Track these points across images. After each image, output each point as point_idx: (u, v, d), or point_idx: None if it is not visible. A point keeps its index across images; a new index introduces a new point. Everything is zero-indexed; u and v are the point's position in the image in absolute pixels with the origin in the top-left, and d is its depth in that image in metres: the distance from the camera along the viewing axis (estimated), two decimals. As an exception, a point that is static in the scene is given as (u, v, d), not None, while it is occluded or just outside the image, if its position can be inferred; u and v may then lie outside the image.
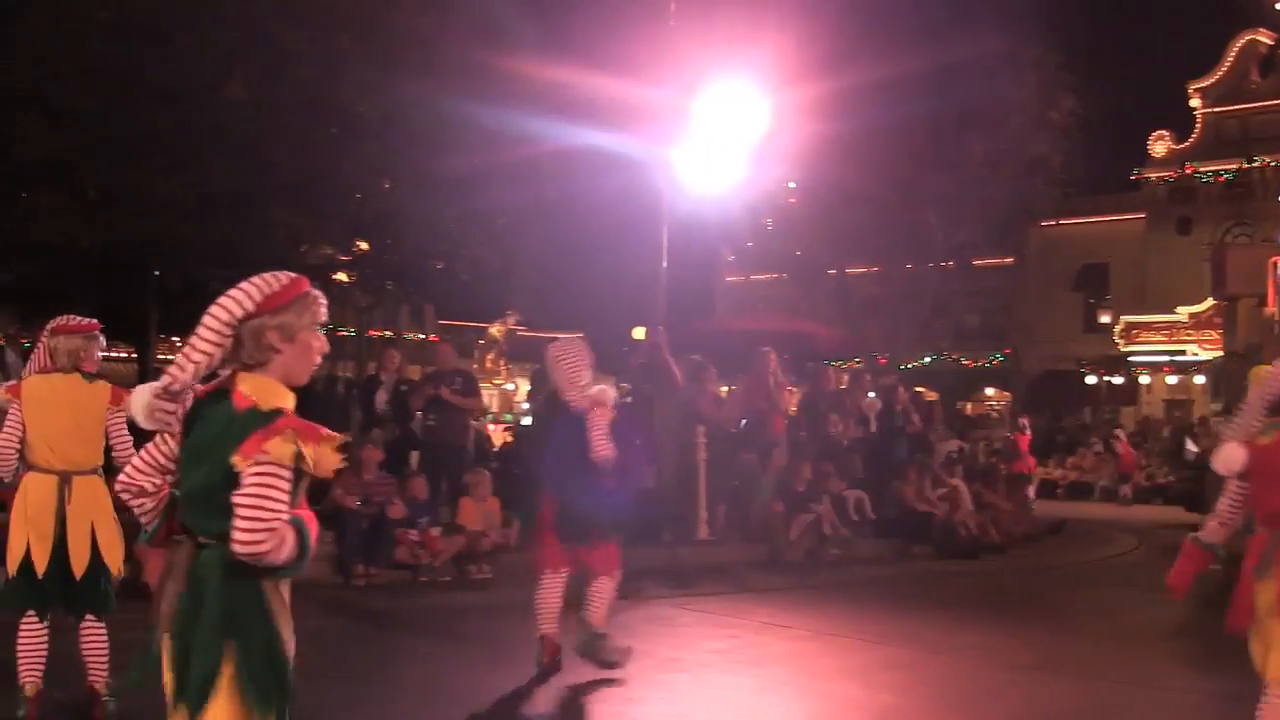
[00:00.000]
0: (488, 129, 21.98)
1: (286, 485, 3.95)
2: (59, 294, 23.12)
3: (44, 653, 7.82)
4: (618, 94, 20.46)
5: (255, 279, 4.26)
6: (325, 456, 4.01)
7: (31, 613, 7.78)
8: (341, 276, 32.88)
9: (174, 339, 45.42)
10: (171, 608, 4.14)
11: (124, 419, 7.80)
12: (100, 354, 8.25)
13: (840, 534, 17.27)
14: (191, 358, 4.19)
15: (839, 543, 17.18)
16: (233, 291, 4.21)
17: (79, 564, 7.71)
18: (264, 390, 4.12)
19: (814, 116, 27.84)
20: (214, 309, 4.17)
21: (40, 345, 8.10)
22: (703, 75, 19.41)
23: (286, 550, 3.95)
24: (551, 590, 9.59)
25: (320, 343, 4.33)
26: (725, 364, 19.46)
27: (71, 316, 8.17)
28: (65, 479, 7.74)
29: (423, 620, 12.44)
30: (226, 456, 3.93)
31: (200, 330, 4.18)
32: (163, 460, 4.32)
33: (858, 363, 32.96)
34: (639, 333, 24.91)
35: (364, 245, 29.29)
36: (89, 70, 24.86)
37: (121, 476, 4.39)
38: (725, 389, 19.87)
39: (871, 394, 21.87)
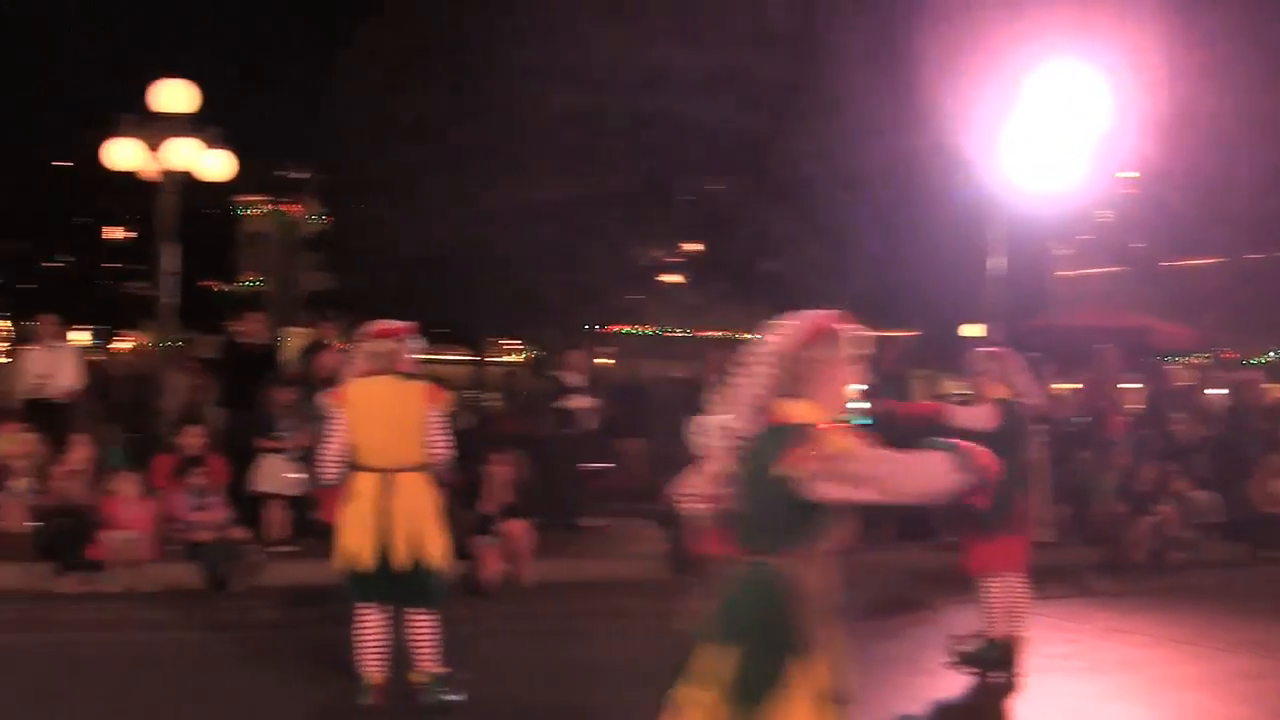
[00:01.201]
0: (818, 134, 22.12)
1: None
2: (399, 301, 24.22)
3: (384, 643, 8.39)
4: (946, 94, 20.32)
5: (792, 316, 4.64)
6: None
7: (367, 606, 8.32)
8: (672, 278, 33.59)
9: (506, 343, 47.09)
10: (711, 617, 4.54)
11: (442, 417, 8.34)
12: (426, 356, 8.78)
13: (1186, 536, 16.77)
14: (746, 390, 4.58)
15: (1185, 545, 16.68)
16: (775, 327, 4.61)
17: (403, 559, 8.24)
18: (799, 413, 4.48)
19: (1167, 99, 26.81)
20: (760, 344, 4.60)
21: (356, 350, 8.67)
22: (1036, 64, 19.09)
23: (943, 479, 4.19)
24: (1013, 591, 9.80)
25: (848, 374, 4.63)
26: (1061, 361, 19.11)
27: (384, 321, 8.70)
28: (389, 477, 8.26)
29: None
30: (774, 473, 4.32)
31: (750, 365, 4.59)
32: (715, 477, 4.71)
33: (1205, 358, 31.80)
34: (973, 330, 24.65)
35: (695, 247, 29.83)
36: (423, 84, 26.06)
37: (687, 483, 4.82)
38: (1061, 386, 19.50)
39: (1218, 390, 21.14)
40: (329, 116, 33.05)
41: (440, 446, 8.46)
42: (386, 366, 8.45)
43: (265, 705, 8.84)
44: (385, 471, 8.26)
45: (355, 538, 8.27)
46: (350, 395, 8.40)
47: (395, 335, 8.61)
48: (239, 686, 9.21)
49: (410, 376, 8.55)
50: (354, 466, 8.35)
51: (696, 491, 4.81)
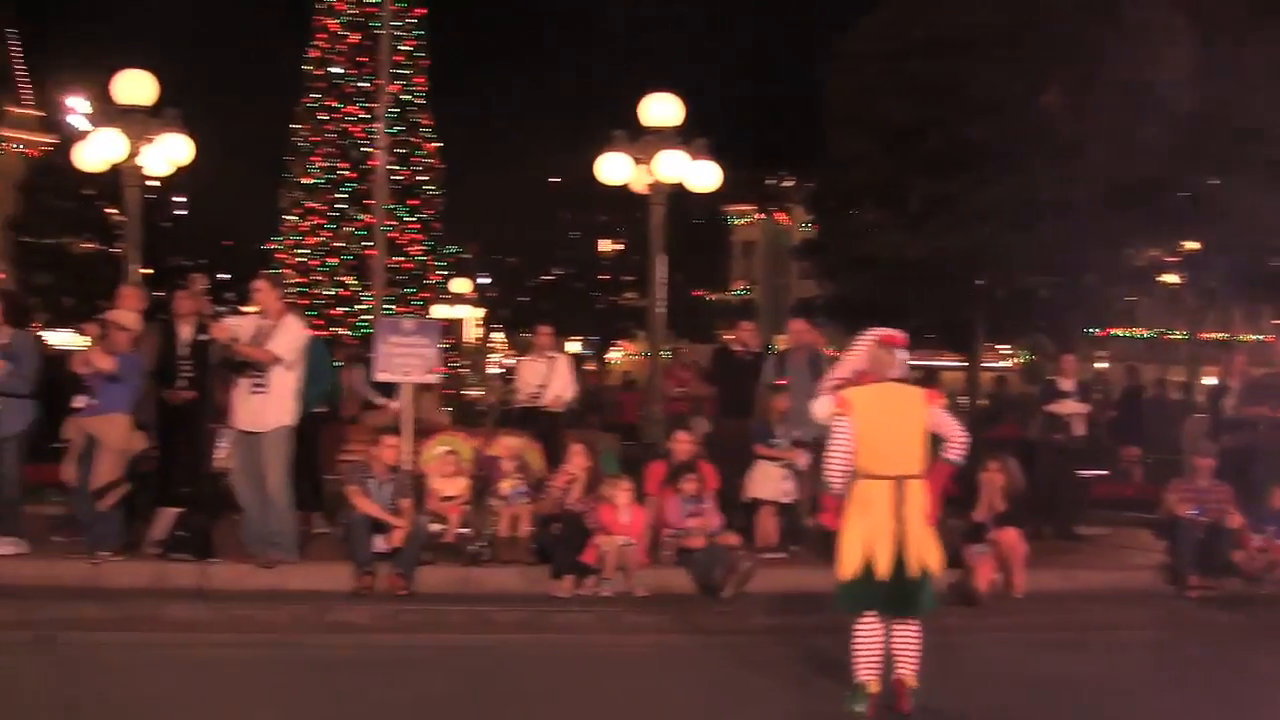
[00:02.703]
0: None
1: None
2: (889, 306, 24.35)
3: (881, 652, 8.56)
4: None
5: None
6: None
7: (870, 613, 8.53)
8: (1170, 278, 32.40)
9: (998, 347, 46.44)
10: None
11: (948, 414, 8.54)
12: (918, 362, 8.99)
13: None
14: None
15: None
16: None
17: (916, 565, 8.45)
18: None
19: None
20: None
21: (851, 357, 8.94)
22: None
23: None
24: None
25: None
26: None
27: (881, 328, 9.02)
28: (899, 483, 8.49)
29: (1264, 635, 12.23)
30: None
31: None
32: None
33: None
34: None
35: (1193, 245, 28.72)
36: (909, 88, 26.08)
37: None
38: None
39: None
40: (815, 123, 33.54)
41: (958, 441, 8.71)
42: (886, 374, 8.76)
43: (753, 710, 9.15)
44: (894, 479, 8.52)
45: (863, 544, 8.53)
46: (855, 403, 8.70)
47: (894, 343, 8.89)
48: (728, 691, 9.57)
49: (905, 383, 8.83)
50: (861, 474, 8.64)
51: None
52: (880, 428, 8.59)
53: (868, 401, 8.67)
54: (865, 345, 8.96)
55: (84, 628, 10.74)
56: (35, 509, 13.63)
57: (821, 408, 9.20)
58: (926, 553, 8.54)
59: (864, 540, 8.52)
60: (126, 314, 13.14)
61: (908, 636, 8.66)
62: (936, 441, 8.75)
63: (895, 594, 8.51)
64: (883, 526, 8.47)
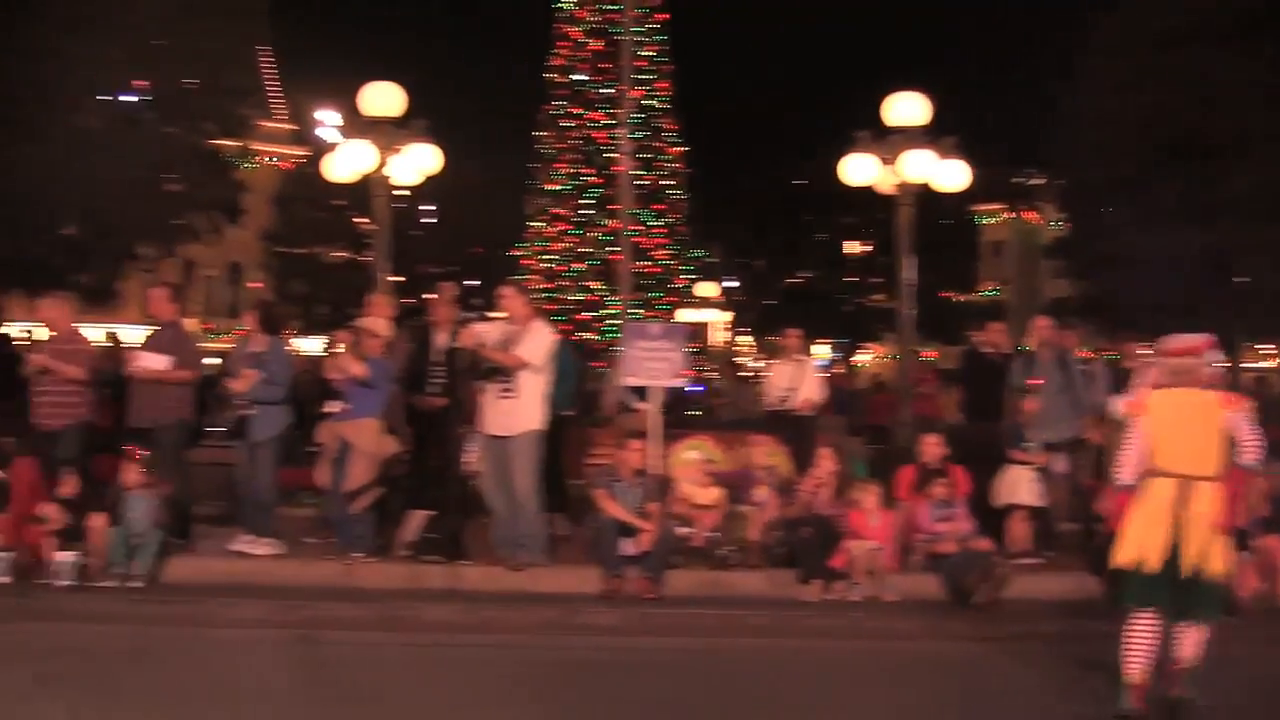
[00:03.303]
0: None
1: None
2: (1139, 305, 23.87)
3: (1154, 650, 8.49)
4: None
5: None
6: None
7: (1145, 610, 8.47)
8: None
9: (1260, 347, 44.91)
10: None
11: (1246, 418, 8.63)
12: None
13: None
14: None
15: None
16: None
17: (1189, 566, 8.41)
18: None
19: None
20: None
21: (1155, 365, 8.99)
22: None
23: None
24: None
25: None
26: None
27: (1183, 335, 9.04)
28: (1185, 482, 8.51)
29: None
30: None
31: None
32: None
33: None
34: None
35: None
36: (1158, 80, 25.45)
37: None
38: None
39: None
40: (1064, 119, 32.91)
41: (1253, 446, 8.70)
42: (1188, 381, 8.82)
43: (1008, 716, 9.08)
44: (1182, 478, 8.56)
45: (1145, 540, 8.57)
46: (1150, 404, 8.87)
47: (1197, 351, 8.93)
48: (983, 698, 9.45)
49: (1207, 388, 8.86)
50: (1151, 472, 8.70)
51: None
52: (1173, 429, 8.70)
53: (1163, 404, 8.83)
54: (1169, 354, 8.93)
55: (340, 626, 11.10)
56: (290, 511, 14.16)
57: (1120, 408, 9.40)
58: (1208, 556, 8.49)
59: (1142, 533, 8.60)
60: (378, 321, 13.52)
61: (1187, 640, 8.63)
62: (1234, 446, 8.68)
63: (1178, 593, 8.48)
64: (1161, 521, 8.53)
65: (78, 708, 8.58)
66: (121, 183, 27.74)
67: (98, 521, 12.26)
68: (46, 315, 13.85)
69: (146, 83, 31.00)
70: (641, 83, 31.87)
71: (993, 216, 73.76)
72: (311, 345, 38.48)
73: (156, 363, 13.20)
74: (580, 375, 15.58)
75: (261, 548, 13.00)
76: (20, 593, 11.97)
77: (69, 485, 12.55)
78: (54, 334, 13.65)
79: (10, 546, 12.39)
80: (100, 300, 30.56)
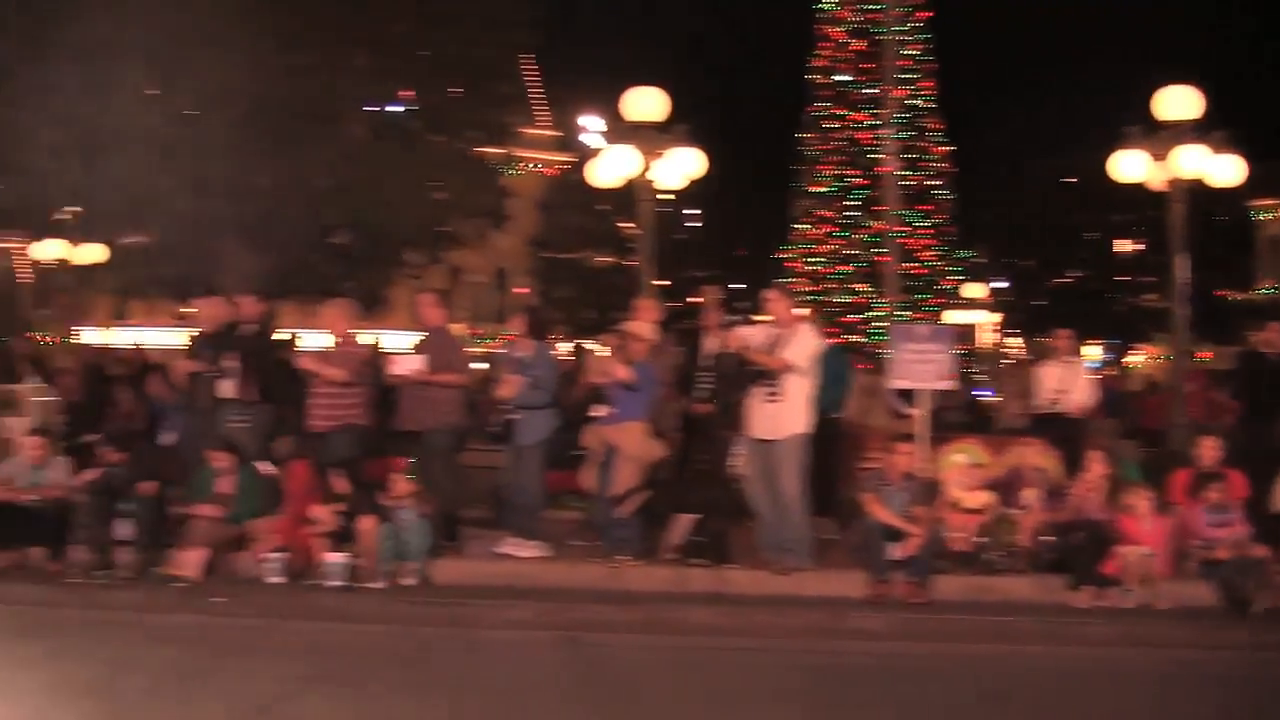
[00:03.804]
0: None
1: None
2: None
3: None
4: None
5: None
6: None
7: None
8: None
9: None
10: None
11: None
12: None
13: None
14: None
15: None
16: None
17: None
18: None
19: None
20: None
21: None
22: None
23: None
24: None
25: None
26: None
27: None
28: None
29: None
30: None
31: None
32: None
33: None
34: None
35: None
36: None
37: None
38: None
39: None
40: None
41: None
42: None
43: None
44: None
45: None
46: None
47: None
48: (1259, 711, 9.23)
49: None
50: None
51: None
52: None
53: None
54: None
55: (605, 629, 11.30)
56: (556, 514, 14.39)
57: None
58: None
59: None
60: (643, 325, 13.70)
61: None
62: None
63: None
64: None
65: (345, 706, 8.89)
66: (389, 191, 28.60)
67: (367, 524, 12.68)
68: (326, 320, 14.39)
69: (412, 93, 31.88)
70: (905, 82, 31.69)
71: (1270, 211, 71.17)
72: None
73: (412, 364, 13.59)
74: (851, 380, 15.57)
75: (528, 550, 13.28)
76: (292, 593, 12.46)
77: (339, 487, 12.99)
78: (333, 339, 14.19)
79: (284, 547, 12.89)
80: (369, 307, 31.52)
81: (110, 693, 8.90)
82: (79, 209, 30.73)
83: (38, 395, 17.15)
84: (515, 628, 11.47)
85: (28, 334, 30.74)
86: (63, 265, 32.40)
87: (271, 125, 27.06)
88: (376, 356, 15.98)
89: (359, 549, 12.71)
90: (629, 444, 13.15)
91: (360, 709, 8.90)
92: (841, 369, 14.84)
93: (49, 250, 31.96)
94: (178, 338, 26.19)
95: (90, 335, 40.24)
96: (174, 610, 11.92)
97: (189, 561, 12.84)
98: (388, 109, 32.69)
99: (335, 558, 12.62)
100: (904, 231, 29.02)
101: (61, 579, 12.93)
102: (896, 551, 12.41)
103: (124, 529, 13.24)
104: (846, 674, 10.15)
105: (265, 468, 13.66)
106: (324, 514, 12.86)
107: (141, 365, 18.68)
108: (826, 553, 13.44)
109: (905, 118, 30.95)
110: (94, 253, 31.32)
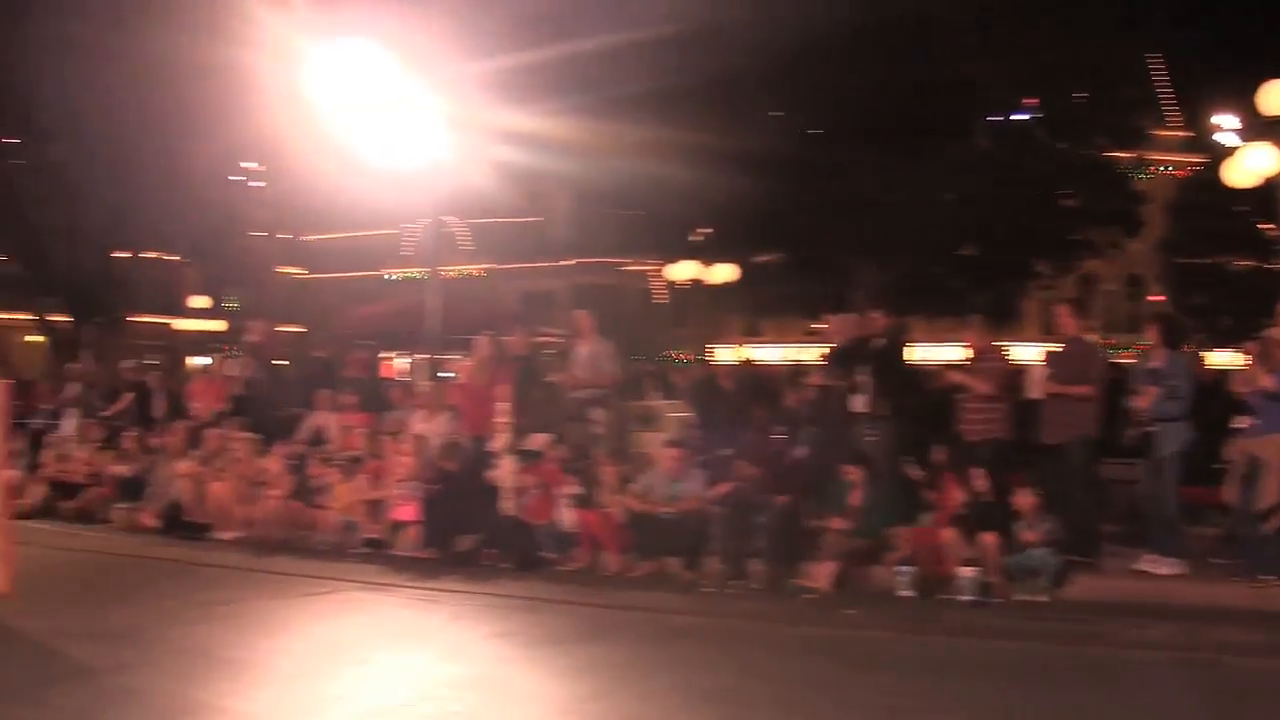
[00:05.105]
0: None
1: None
2: None
3: None
4: None
5: None
6: None
7: None
8: None
9: None
10: None
11: None
12: None
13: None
14: None
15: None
16: None
17: None
18: None
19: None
20: None
21: None
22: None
23: None
24: None
25: None
26: None
27: None
28: None
29: None
30: None
31: None
32: None
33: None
34: None
35: None
36: None
37: None
38: None
39: None
40: None
41: None
42: None
43: None
44: None
45: None
46: None
47: None
48: None
49: None
50: None
51: None
52: None
53: None
54: None
55: (1247, 653, 10.74)
56: (1195, 530, 13.85)
57: None
58: None
59: None
60: (1287, 331, 13.04)
61: None
62: None
63: None
64: None
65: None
66: (1015, 201, 28.41)
67: (990, 538, 12.63)
68: (968, 335, 14.61)
69: (1036, 100, 31.56)
70: None
71: None
72: (1218, 358, 37.55)
73: (1038, 375, 13.55)
74: None
75: (1165, 567, 12.89)
76: (923, 607, 12.59)
77: (979, 486, 13.07)
78: (974, 352, 14.41)
79: (911, 560, 13.03)
80: (1001, 319, 31.38)
81: (736, 700, 9.17)
82: (710, 229, 32.07)
83: (674, 411, 18.02)
84: (1149, 648, 11.02)
85: (665, 353, 32.34)
86: (696, 285, 33.90)
87: (896, 141, 27.38)
88: (1016, 370, 15.97)
89: (988, 564, 12.70)
90: (1274, 457, 12.54)
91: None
92: None
93: (683, 271, 33.53)
94: (808, 354, 26.91)
95: (723, 353, 41.84)
96: (804, 622, 12.20)
97: (820, 574, 13.21)
98: (1011, 117, 32.42)
99: (967, 572, 12.69)
100: None
101: (696, 588, 13.58)
102: None
103: (757, 541, 13.75)
104: None
105: (911, 471, 13.96)
106: (949, 535, 12.94)
107: (754, 381, 19.04)
108: None
109: None
110: (726, 272, 32.62)
